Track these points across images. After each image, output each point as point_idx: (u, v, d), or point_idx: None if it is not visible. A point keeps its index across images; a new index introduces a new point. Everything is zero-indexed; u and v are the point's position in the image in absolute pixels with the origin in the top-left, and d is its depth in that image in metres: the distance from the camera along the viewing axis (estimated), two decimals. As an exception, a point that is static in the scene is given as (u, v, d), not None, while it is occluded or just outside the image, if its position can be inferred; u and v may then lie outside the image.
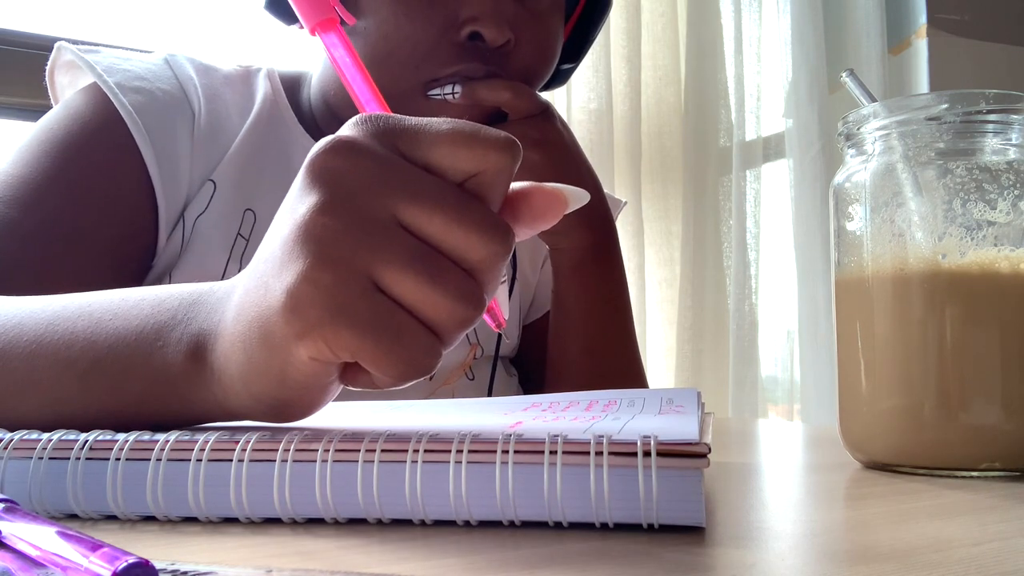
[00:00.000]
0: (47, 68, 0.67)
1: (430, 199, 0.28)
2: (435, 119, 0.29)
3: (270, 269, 0.28)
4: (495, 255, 0.29)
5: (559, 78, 0.74)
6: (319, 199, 0.27)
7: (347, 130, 0.29)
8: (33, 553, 0.19)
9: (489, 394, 0.72)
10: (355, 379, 0.30)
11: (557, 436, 0.26)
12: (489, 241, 0.28)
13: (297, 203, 0.28)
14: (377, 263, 0.27)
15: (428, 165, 0.29)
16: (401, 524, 0.27)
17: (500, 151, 0.29)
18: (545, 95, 0.66)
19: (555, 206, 0.31)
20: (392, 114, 0.30)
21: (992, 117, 0.39)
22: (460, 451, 0.26)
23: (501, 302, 0.39)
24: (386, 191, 0.28)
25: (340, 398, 0.33)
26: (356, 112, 0.55)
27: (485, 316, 0.37)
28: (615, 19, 1.45)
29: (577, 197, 0.31)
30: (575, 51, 0.73)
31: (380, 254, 0.27)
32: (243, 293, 0.30)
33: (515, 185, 0.31)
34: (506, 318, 0.38)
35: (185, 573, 0.19)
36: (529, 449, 0.26)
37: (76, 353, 0.34)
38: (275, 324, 0.28)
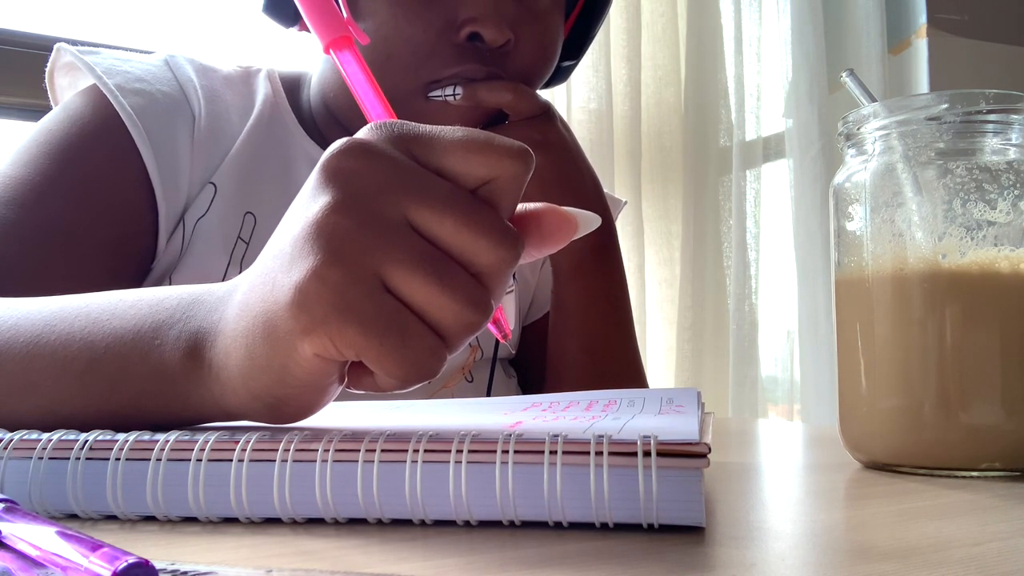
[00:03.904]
0: (47, 70, 0.67)
1: (441, 202, 0.28)
2: (449, 127, 0.30)
3: (279, 265, 0.28)
4: (503, 261, 0.29)
5: (559, 76, 0.74)
6: (332, 198, 0.28)
7: (362, 134, 0.30)
8: (33, 553, 0.19)
9: (488, 396, 0.72)
10: (359, 381, 0.30)
11: (557, 436, 0.26)
12: (498, 246, 0.28)
13: (310, 201, 0.28)
14: (387, 263, 0.27)
15: (441, 170, 0.29)
16: (401, 524, 0.27)
17: (513, 159, 0.29)
18: (544, 94, 0.66)
19: (565, 229, 0.31)
20: (407, 121, 0.30)
21: (992, 117, 0.39)
22: (460, 451, 0.26)
23: (508, 312, 0.39)
24: (398, 193, 0.28)
25: (340, 398, 0.33)
26: (357, 114, 0.55)
27: (490, 326, 0.37)
28: (615, 19, 1.45)
29: (588, 222, 0.32)
30: (575, 49, 0.73)
31: (390, 254, 0.27)
32: (247, 289, 0.30)
33: (528, 205, 0.31)
34: (512, 328, 0.38)
35: (185, 573, 0.19)
36: (529, 449, 0.26)
37: (73, 353, 0.34)
38: (281, 319, 0.28)
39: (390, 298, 0.27)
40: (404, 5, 0.59)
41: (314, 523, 0.27)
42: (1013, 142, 0.39)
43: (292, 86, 0.72)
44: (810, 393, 1.45)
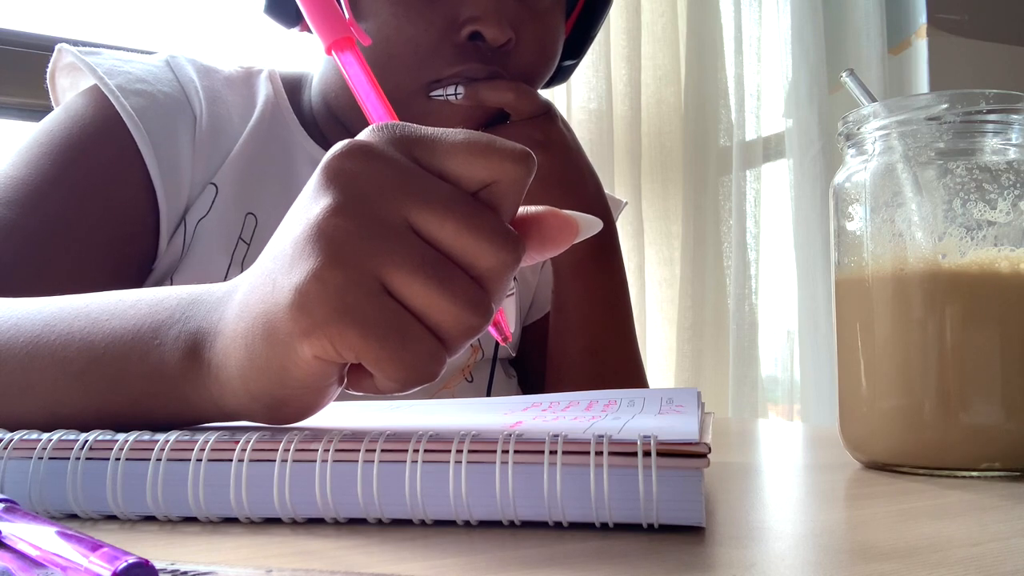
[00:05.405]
0: (48, 70, 0.67)
1: (442, 205, 0.28)
2: (451, 130, 0.30)
3: (279, 267, 0.28)
4: (504, 264, 0.29)
5: (560, 75, 0.74)
6: (333, 200, 0.28)
7: (364, 136, 0.30)
8: (33, 553, 0.19)
9: (488, 396, 0.72)
10: (358, 383, 0.30)
11: (557, 436, 0.26)
12: (499, 250, 0.28)
13: (311, 203, 0.28)
14: (387, 266, 0.27)
15: (443, 173, 0.29)
16: (401, 524, 0.27)
17: (515, 162, 0.29)
18: (544, 94, 0.66)
19: (567, 232, 0.31)
20: (409, 123, 0.30)
21: (992, 117, 0.39)
22: (460, 451, 0.26)
23: (508, 315, 0.39)
24: (400, 195, 0.28)
25: (340, 399, 0.33)
26: (359, 114, 0.55)
27: (491, 329, 0.37)
28: (615, 19, 1.45)
29: (589, 226, 0.32)
30: (576, 48, 0.73)
31: (391, 257, 0.27)
32: (248, 290, 0.30)
33: (529, 208, 0.31)
34: (512, 331, 0.38)
35: (185, 573, 0.19)
36: (529, 449, 0.26)
37: (73, 353, 0.34)
38: (281, 321, 0.28)
39: (390, 301, 0.27)
40: (405, 5, 0.59)
41: (314, 523, 0.27)
42: (1013, 142, 0.39)
43: (293, 87, 0.72)
44: (810, 393, 1.45)
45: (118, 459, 0.27)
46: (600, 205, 0.67)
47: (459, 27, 0.60)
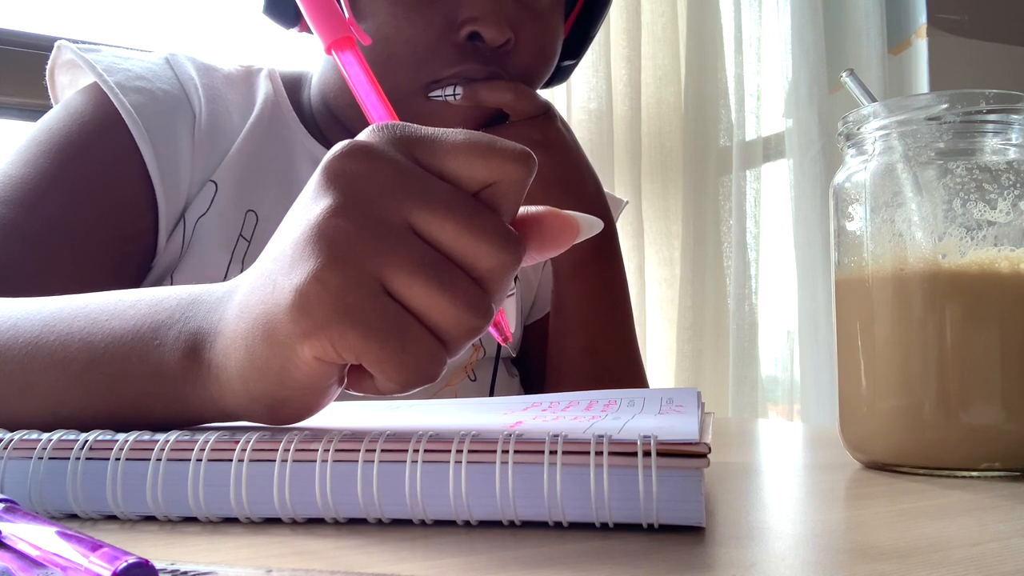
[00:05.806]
0: (47, 68, 0.67)
1: (443, 205, 0.28)
2: (451, 130, 0.30)
3: (279, 268, 0.28)
4: (504, 265, 0.29)
5: (560, 75, 0.74)
6: (333, 201, 0.28)
7: (364, 136, 0.30)
8: (33, 553, 0.19)
9: (491, 395, 0.72)
10: (359, 384, 0.30)
11: (557, 436, 0.26)
12: (500, 251, 0.28)
13: (311, 204, 0.28)
14: (388, 267, 0.27)
15: (443, 174, 0.29)
16: (401, 524, 0.27)
17: (516, 162, 0.29)
18: (544, 94, 0.66)
19: (567, 233, 0.31)
20: (409, 123, 0.30)
21: (992, 117, 0.39)
22: (460, 451, 0.26)
23: (509, 316, 0.39)
24: (400, 196, 0.28)
25: (340, 399, 0.33)
26: (358, 114, 0.55)
27: (491, 329, 0.37)
28: (615, 19, 1.45)
29: (590, 226, 0.32)
30: (575, 48, 0.73)
31: (391, 258, 0.27)
32: (248, 291, 0.30)
33: (530, 208, 0.31)
34: (513, 331, 0.38)
35: (185, 573, 0.19)
36: (529, 449, 0.26)
37: (72, 353, 0.34)
38: (281, 322, 0.28)
39: (391, 302, 0.27)
40: (405, 5, 0.59)
41: (314, 523, 0.27)
42: (1013, 142, 0.39)
43: (293, 85, 0.72)
44: (810, 393, 1.45)
45: (118, 459, 0.27)
46: (600, 205, 0.67)
47: (458, 27, 0.60)
